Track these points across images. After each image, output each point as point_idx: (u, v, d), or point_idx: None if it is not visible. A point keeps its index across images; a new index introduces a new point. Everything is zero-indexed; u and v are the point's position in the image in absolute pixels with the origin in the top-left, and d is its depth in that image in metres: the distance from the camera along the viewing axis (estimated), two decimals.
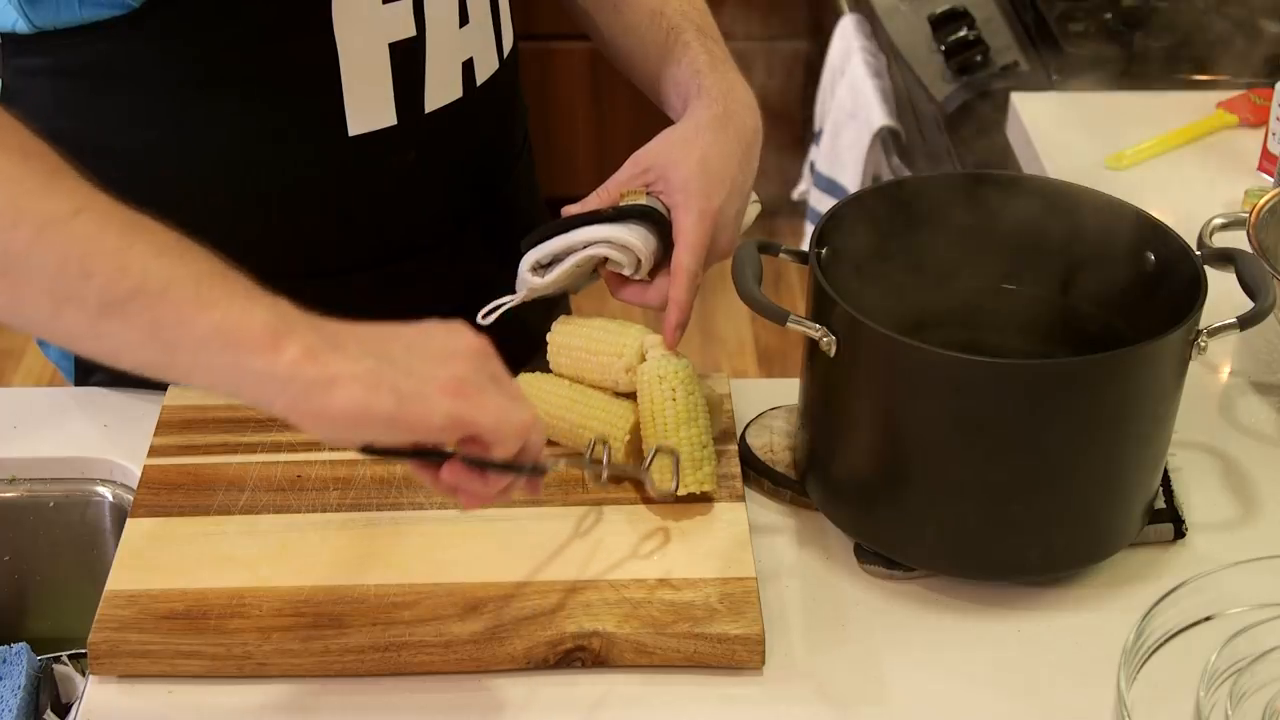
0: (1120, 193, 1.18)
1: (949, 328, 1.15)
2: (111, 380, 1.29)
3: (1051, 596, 1.10)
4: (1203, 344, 1.05)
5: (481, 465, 0.92)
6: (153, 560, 1.08)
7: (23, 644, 1.18)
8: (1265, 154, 1.69)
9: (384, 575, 1.07)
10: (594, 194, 1.22)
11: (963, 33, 2.08)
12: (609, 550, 1.09)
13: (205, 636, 1.02)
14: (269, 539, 1.10)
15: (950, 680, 1.04)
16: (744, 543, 1.10)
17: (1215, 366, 1.35)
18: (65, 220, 0.86)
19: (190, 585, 1.06)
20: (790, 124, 3.02)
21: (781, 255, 1.15)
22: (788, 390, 1.23)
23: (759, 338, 3.18)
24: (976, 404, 1.03)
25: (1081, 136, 1.79)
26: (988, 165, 1.89)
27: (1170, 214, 1.19)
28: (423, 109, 1.22)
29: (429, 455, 0.93)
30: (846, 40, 2.49)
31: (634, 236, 1.18)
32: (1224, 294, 1.12)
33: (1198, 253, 1.11)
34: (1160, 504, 1.15)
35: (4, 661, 1.17)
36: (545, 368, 1.22)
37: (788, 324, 1.06)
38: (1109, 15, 2.06)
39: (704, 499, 1.13)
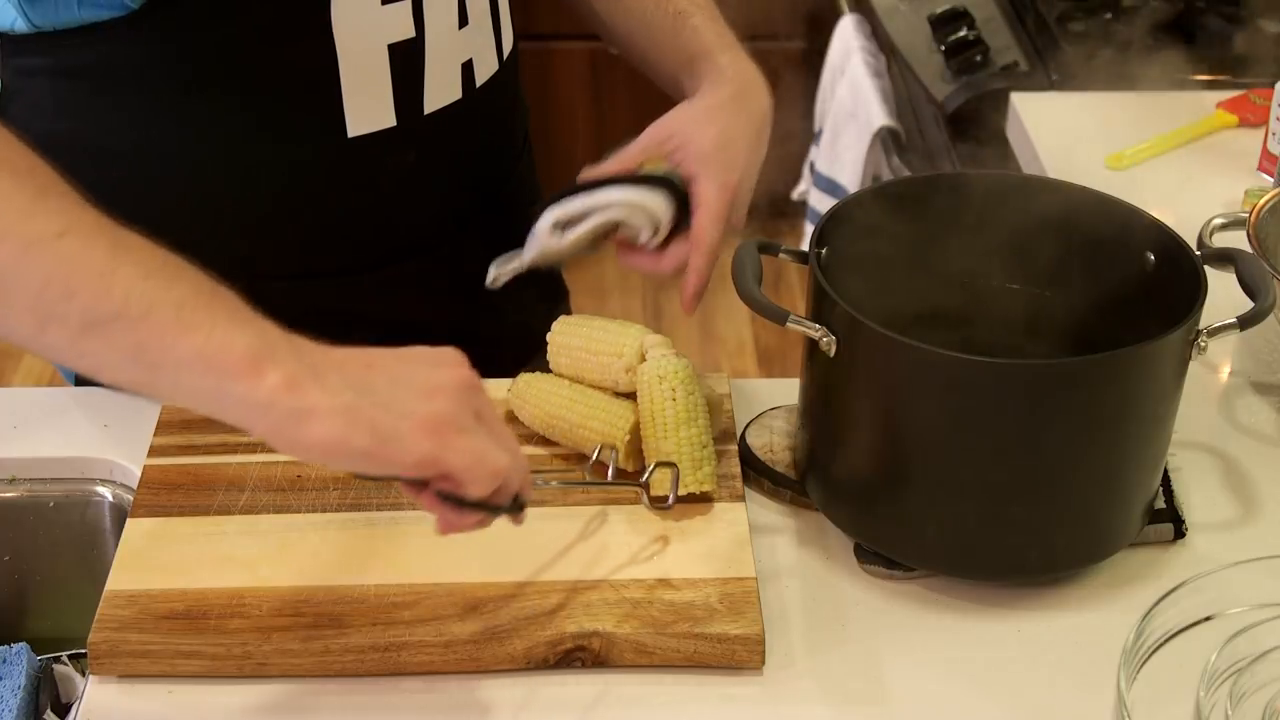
0: (1120, 193, 1.18)
1: (949, 328, 1.15)
2: None
3: (1051, 596, 1.10)
4: (1203, 344, 1.05)
5: (457, 500, 0.92)
6: (153, 560, 1.08)
7: (23, 644, 1.18)
8: (1265, 154, 1.69)
9: (384, 575, 1.07)
10: (613, 158, 1.23)
11: (963, 33, 2.08)
12: (609, 550, 1.09)
13: (205, 636, 1.02)
14: (269, 539, 1.10)
15: (950, 680, 1.04)
16: (744, 543, 1.10)
17: (1215, 366, 1.35)
18: (50, 240, 0.86)
19: (190, 585, 1.06)
20: (790, 124, 3.02)
21: (781, 255, 1.16)
22: (788, 390, 1.23)
23: (759, 338, 3.18)
24: (976, 404, 1.03)
25: (1081, 136, 1.79)
26: (988, 165, 1.89)
27: (1170, 214, 1.19)
28: (422, 110, 1.22)
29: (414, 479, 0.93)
30: (846, 40, 2.49)
31: (656, 203, 1.20)
32: (1224, 294, 1.12)
33: (1198, 253, 1.11)
34: (1160, 504, 1.15)
35: (4, 661, 1.17)
36: (545, 368, 1.22)
37: (788, 324, 1.06)
38: (1109, 15, 2.06)
39: (704, 499, 1.13)
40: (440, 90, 1.23)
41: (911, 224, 1.17)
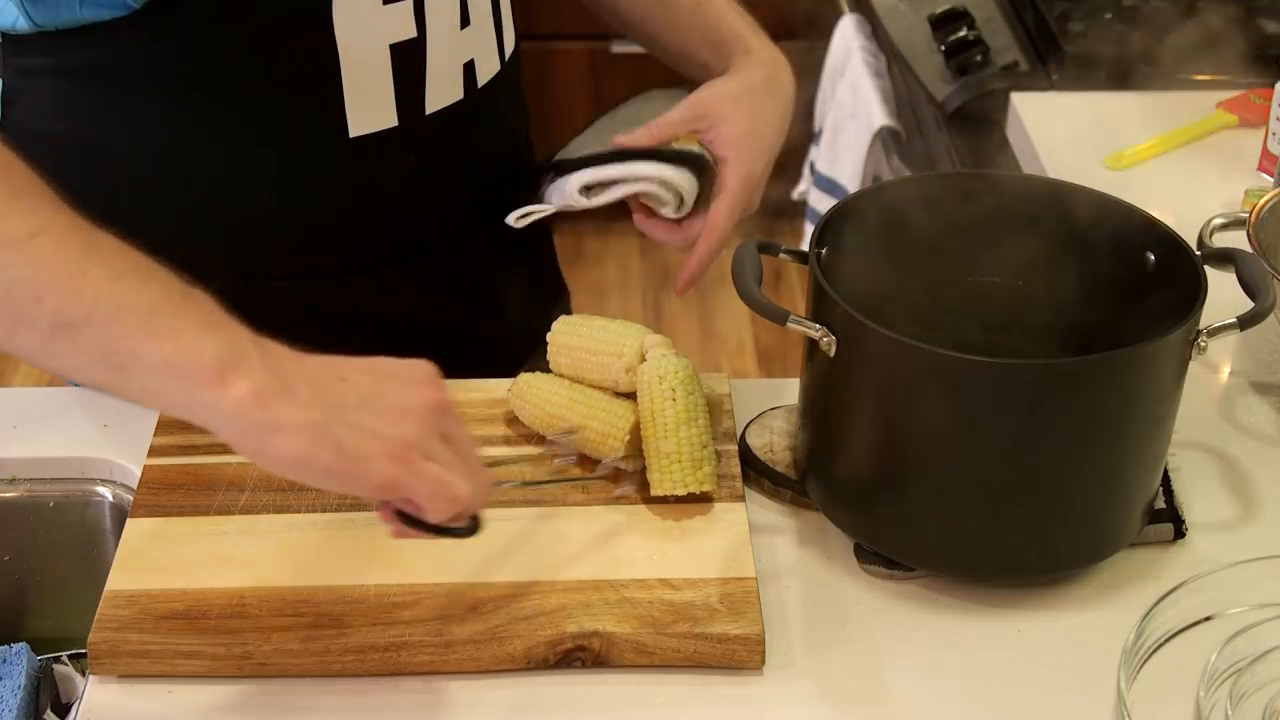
0: (1120, 193, 1.18)
1: (949, 327, 1.15)
2: None
3: (1051, 596, 1.10)
4: (1203, 344, 1.05)
5: (414, 520, 0.93)
6: (153, 560, 1.08)
7: (23, 644, 1.18)
8: (1265, 154, 1.69)
9: (384, 575, 1.07)
10: (645, 128, 1.26)
11: (963, 33, 2.08)
12: (609, 550, 1.09)
13: (205, 636, 1.02)
14: (269, 539, 1.10)
15: (950, 680, 1.04)
16: (744, 543, 1.10)
17: (1215, 366, 1.35)
18: (21, 242, 0.87)
19: (190, 585, 1.06)
20: (790, 124, 3.02)
21: (781, 255, 1.16)
22: (788, 390, 1.23)
23: (759, 338, 3.18)
24: (976, 404, 1.03)
25: (1081, 136, 1.79)
26: (988, 165, 1.89)
27: (1170, 214, 1.19)
28: (424, 110, 1.22)
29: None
30: (846, 40, 2.49)
31: (685, 181, 1.23)
32: (1224, 294, 1.12)
33: (1198, 253, 1.11)
34: (1160, 504, 1.15)
35: (4, 661, 1.17)
36: (545, 368, 1.22)
37: (788, 324, 1.06)
38: (1109, 15, 2.06)
39: (704, 499, 1.13)
40: (442, 90, 1.23)
41: (911, 224, 1.17)
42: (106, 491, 1.23)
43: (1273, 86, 1.68)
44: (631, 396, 1.16)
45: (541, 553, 1.09)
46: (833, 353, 1.06)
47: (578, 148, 1.32)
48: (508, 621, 1.03)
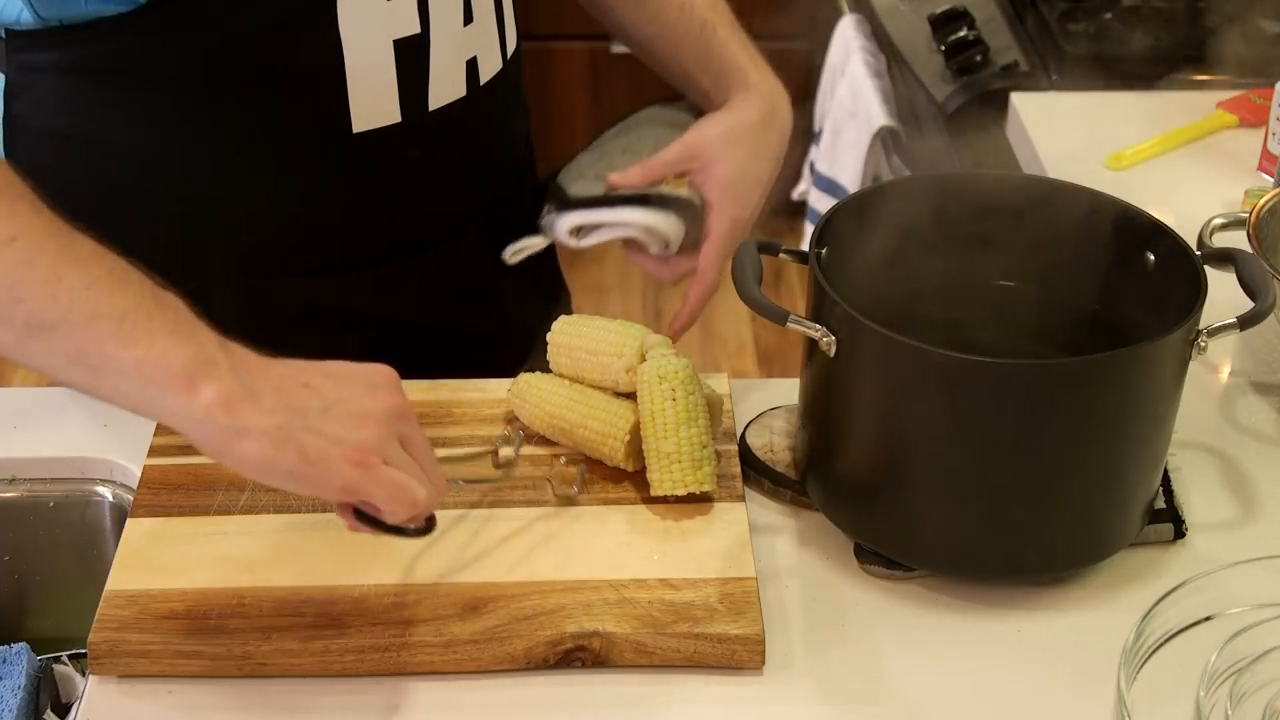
0: (1120, 193, 1.18)
1: (949, 327, 1.15)
2: None
3: (1051, 596, 1.10)
4: (1203, 344, 1.05)
5: (373, 520, 0.96)
6: (153, 560, 1.08)
7: (23, 644, 1.18)
8: (1265, 154, 1.69)
9: (384, 575, 1.07)
10: (638, 167, 1.29)
11: (963, 33, 2.08)
12: (609, 550, 1.09)
13: (205, 636, 1.02)
14: (269, 539, 1.10)
15: (950, 680, 1.04)
16: (744, 543, 1.10)
17: (1215, 366, 1.35)
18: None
19: (190, 585, 1.06)
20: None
21: (781, 255, 1.16)
22: (788, 390, 1.23)
23: (759, 338, 3.17)
24: (976, 404, 1.03)
25: (1081, 136, 1.79)
26: (988, 165, 1.89)
27: (1170, 214, 1.19)
28: (427, 107, 1.22)
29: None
30: (846, 40, 2.49)
31: (671, 227, 1.27)
32: (1224, 294, 1.12)
33: (1198, 253, 1.11)
34: (1160, 504, 1.15)
35: (4, 661, 1.17)
36: (545, 368, 1.22)
37: (788, 324, 1.06)
38: (1109, 15, 2.06)
39: (704, 499, 1.13)
40: (445, 87, 1.23)
41: (911, 224, 1.16)
42: (106, 491, 1.23)
43: (1273, 86, 1.68)
44: (631, 396, 1.16)
45: (541, 553, 1.09)
46: (833, 353, 1.06)
47: (577, 169, 1.35)
48: (508, 621, 1.03)
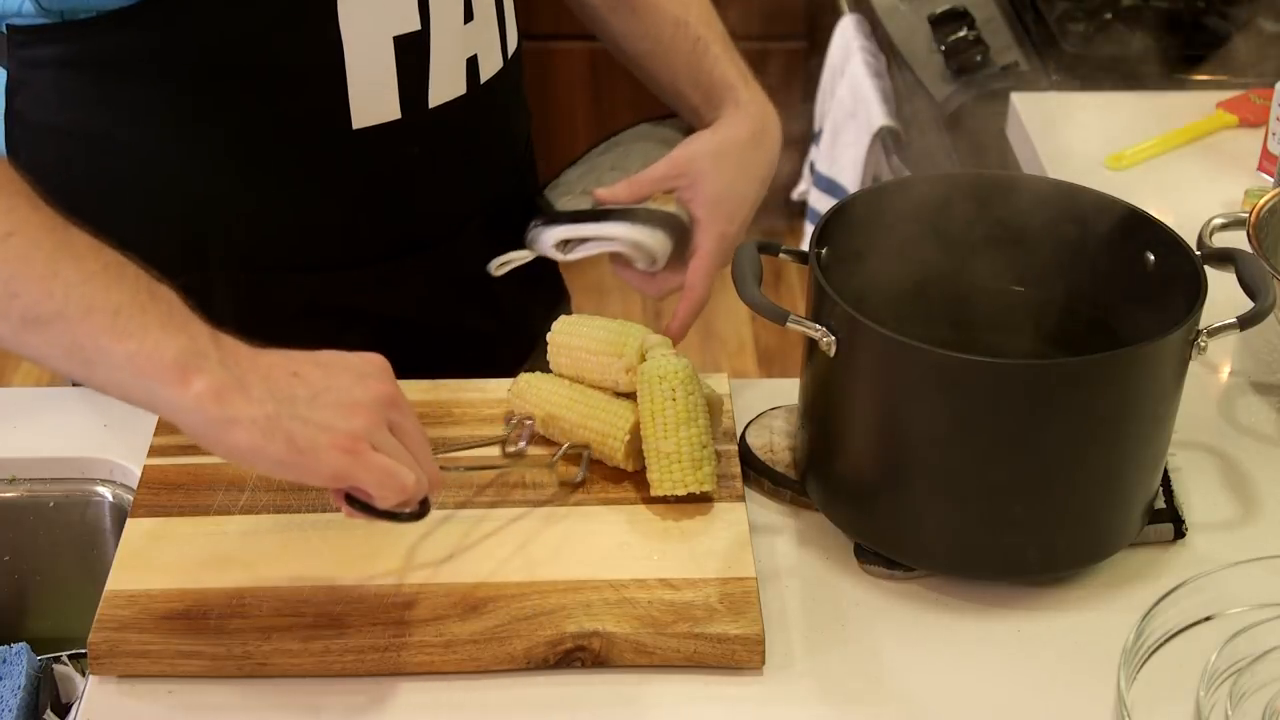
0: (1120, 193, 1.18)
1: (949, 327, 1.15)
2: None
3: (1051, 596, 1.10)
4: (1203, 344, 1.05)
5: (365, 506, 0.97)
6: (153, 560, 1.08)
7: (23, 644, 1.18)
8: (1265, 154, 1.69)
9: (384, 575, 1.07)
10: (626, 182, 1.30)
11: (963, 33, 2.08)
12: (609, 550, 1.09)
13: (205, 636, 1.02)
14: (269, 539, 1.10)
15: (950, 680, 1.04)
16: (744, 543, 1.10)
17: (1215, 366, 1.35)
18: None
19: (190, 585, 1.06)
20: (790, 124, 3.02)
21: (781, 255, 1.16)
22: (788, 390, 1.23)
23: (759, 338, 3.17)
24: (976, 404, 1.03)
25: (1081, 136, 1.79)
26: (988, 165, 1.89)
27: (1170, 214, 1.19)
28: (427, 104, 1.22)
29: None
30: (846, 40, 2.49)
31: (657, 243, 1.28)
32: (1224, 294, 1.12)
33: (1198, 253, 1.11)
34: (1160, 504, 1.15)
35: (4, 661, 1.17)
36: (545, 368, 1.22)
37: (788, 324, 1.06)
38: (1109, 15, 2.06)
39: (704, 499, 1.13)
40: (445, 84, 1.23)
41: (912, 224, 1.17)
42: (106, 491, 1.23)
43: (1273, 86, 1.68)
44: (631, 396, 1.16)
45: (541, 553, 1.09)
46: (833, 353, 1.06)
47: (565, 183, 1.36)
48: (508, 621, 1.03)
